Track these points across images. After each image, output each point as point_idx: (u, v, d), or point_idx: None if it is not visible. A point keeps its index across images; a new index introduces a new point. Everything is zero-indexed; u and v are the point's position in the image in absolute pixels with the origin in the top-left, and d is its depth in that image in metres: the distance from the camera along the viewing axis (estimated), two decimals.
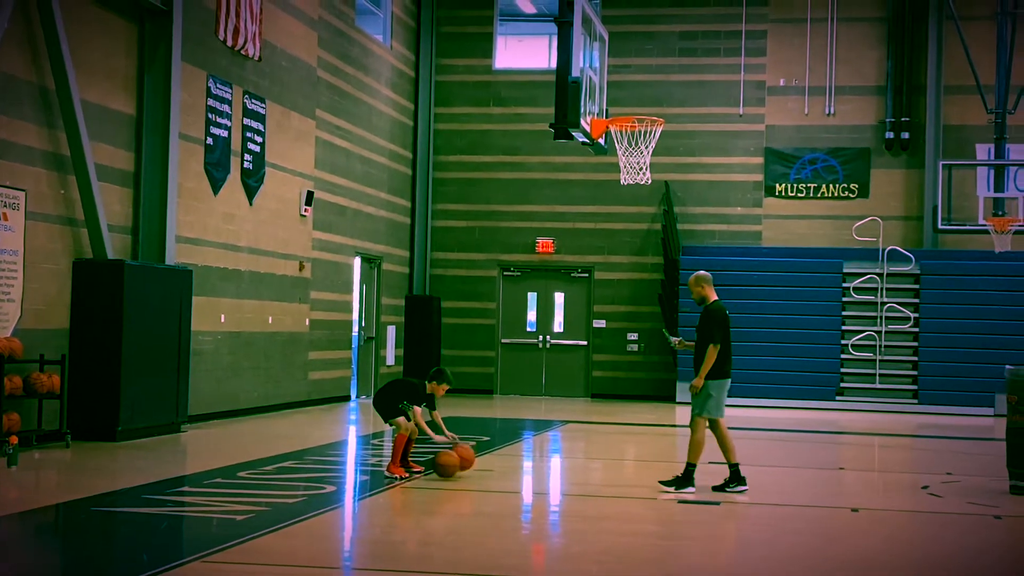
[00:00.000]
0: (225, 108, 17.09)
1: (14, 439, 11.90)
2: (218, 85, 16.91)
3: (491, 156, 25.60)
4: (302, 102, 19.69)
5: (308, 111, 19.93)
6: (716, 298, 11.36)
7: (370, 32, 22.92)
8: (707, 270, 11.84)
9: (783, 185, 24.91)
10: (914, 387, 23.10)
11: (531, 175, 25.39)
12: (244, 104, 17.66)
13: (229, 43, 17.12)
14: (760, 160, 25.00)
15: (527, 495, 11.67)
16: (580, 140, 13.42)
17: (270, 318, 18.61)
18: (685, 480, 11.12)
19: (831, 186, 24.78)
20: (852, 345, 23.39)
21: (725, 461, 11.30)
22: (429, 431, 11.61)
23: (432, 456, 11.89)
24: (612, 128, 13.95)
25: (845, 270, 23.79)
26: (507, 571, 7.91)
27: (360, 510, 10.26)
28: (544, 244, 25.30)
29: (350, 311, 22.04)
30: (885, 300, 23.50)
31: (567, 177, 25.17)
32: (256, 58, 17.92)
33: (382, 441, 15.02)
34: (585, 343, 25.23)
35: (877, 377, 23.28)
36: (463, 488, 11.25)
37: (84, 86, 14.13)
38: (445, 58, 25.70)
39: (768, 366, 23.18)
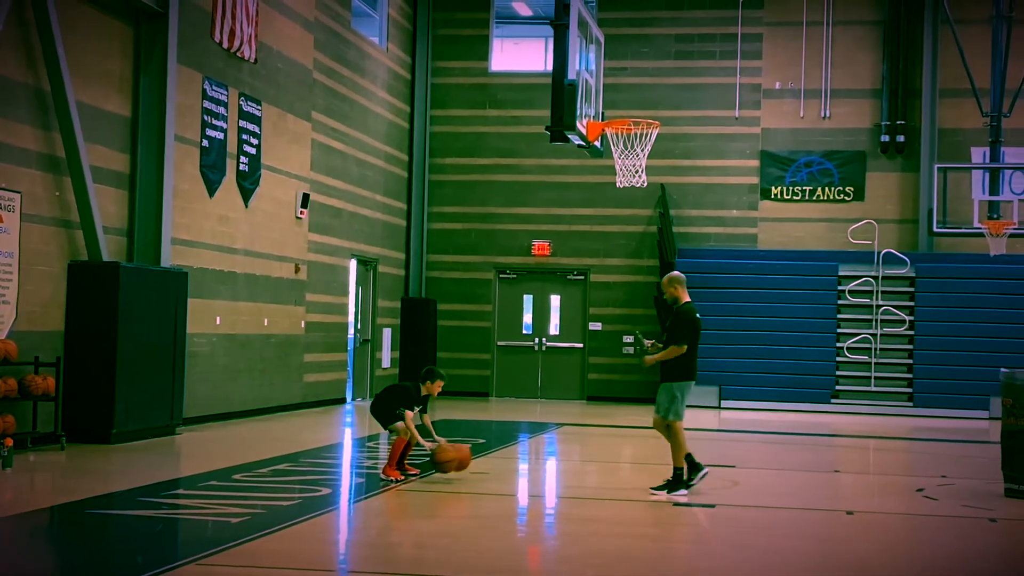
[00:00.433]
0: (221, 110, 17.08)
1: (9, 441, 11.88)
2: (214, 87, 16.90)
3: (487, 159, 25.60)
4: (298, 104, 19.68)
5: (304, 113, 19.93)
6: (688, 300, 11.46)
7: (366, 34, 22.92)
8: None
9: (779, 188, 24.92)
10: (909, 390, 23.11)
11: (527, 178, 25.40)
12: (240, 106, 17.66)
13: (225, 45, 17.12)
14: (756, 163, 25.01)
15: (522, 498, 11.67)
16: (576, 143, 13.41)
17: (266, 320, 18.60)
18: (676, 483, 11.12)
19: (827, 189, 24.79)
20: (847, 348, 23.40)
21: (672, 462, 11.24)
22: (418, 436, 11.61)
23: (430, 456, 11.89)
24: (608, 131, 13.94)
25: (840, 273, 23.82)
26: (502, 574, 7.92)
27: (355, 513, 10.25)
28: (540, 247, 25.30)
29: (346, 313, 22.02)
30: (880, 303, 23.52)
31: (563, 180, 25.17)
32: (252, 60, 17.92)
33: (377, 444, 15.02)
34: (581, 346, 25.23)
35: (872, 380, 23.29)
36: (458, 491, 11.25)
37: (79, 88, 14.12)
38: (441, 60, 25.69)
39: (763, 368, 23.21)
